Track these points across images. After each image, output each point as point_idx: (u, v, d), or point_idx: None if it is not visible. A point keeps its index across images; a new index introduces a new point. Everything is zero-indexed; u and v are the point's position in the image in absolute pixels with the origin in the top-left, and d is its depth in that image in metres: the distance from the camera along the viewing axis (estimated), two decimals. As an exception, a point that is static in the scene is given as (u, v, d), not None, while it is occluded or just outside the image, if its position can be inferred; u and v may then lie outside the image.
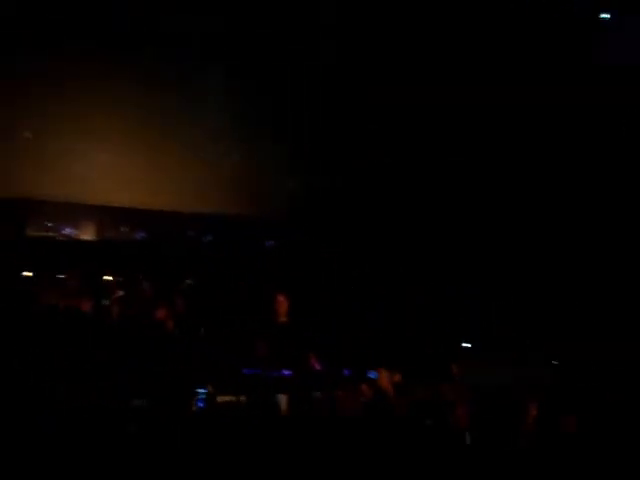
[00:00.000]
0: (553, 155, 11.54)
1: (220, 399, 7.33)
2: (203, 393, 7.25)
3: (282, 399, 7.46)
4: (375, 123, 12.15)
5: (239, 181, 12.46)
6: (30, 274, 10.44)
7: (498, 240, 11.51)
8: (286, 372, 7.93)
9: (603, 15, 11.38)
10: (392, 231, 11.97)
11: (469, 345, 8.85)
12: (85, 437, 5.66)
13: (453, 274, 11.52)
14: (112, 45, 11.89)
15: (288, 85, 12.40)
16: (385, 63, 12.05)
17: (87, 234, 12.50)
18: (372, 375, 6.92)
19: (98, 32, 11.86)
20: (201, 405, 7.20)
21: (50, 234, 12.27)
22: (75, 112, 12.02)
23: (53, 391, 6.26)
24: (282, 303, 8.69)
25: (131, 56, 12.07)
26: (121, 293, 9.70)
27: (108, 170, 12.21)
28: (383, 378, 6.34)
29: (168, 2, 12.14)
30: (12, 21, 11.43)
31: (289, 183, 12.81)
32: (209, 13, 12.12)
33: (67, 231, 12.38)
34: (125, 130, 12.35)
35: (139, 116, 12.32)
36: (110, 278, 11.04)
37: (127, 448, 5.55)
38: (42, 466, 5.24)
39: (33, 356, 6.88)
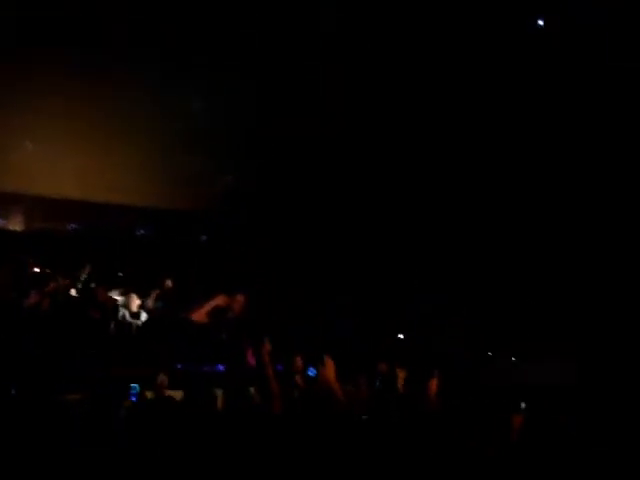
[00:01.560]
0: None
1: (155, 394, 7.32)
2: (135, 388, 7.23)
3: (218, 394, 7.48)
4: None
5: (175, 175, 12.39)
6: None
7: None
8: (220, 367, 7.95)
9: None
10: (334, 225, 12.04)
11: (402, 336, 8.96)
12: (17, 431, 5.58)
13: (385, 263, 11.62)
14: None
15: (228, 82, 12.36)
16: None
17: (16, 225, 12.26)
18: (311, 372, 6.98)
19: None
20: (134, 400, 7.18)
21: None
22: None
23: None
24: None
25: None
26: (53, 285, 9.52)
27: (40, 161, 12.00)
28: (327, 372, 6.36)
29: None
30: None
31: (224, 178, 12.80)
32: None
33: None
34: (59, 122, 12.16)
35: (74, 108, 12.12)
36: (38, 270, 10.86)
37: (63, 443, 5.49)
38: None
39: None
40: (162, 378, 7.08)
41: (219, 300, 8.51)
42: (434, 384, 6.07)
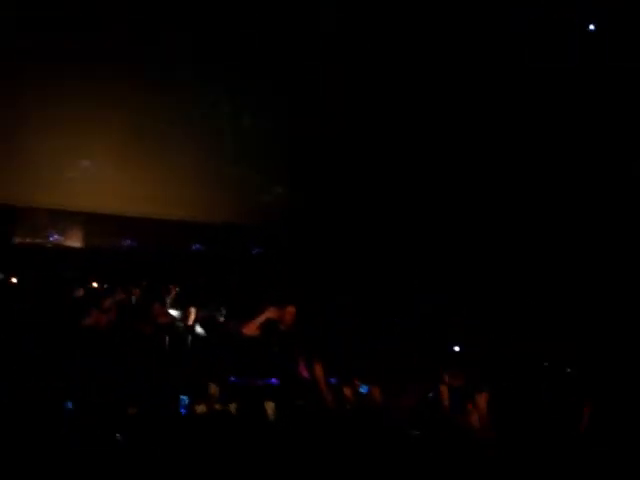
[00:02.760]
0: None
1: (206, 407, 7.35)
2: (184, 400, 7.24)
3: (269, 407, 7.48)
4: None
5: (229, 190, 12.49)
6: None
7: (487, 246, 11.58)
8: (273, 380, 7.93)
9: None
10: (383, 237, 12.01)
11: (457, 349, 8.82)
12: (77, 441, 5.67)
13: (441, 281, 11.55)
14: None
15: (281, 94, 12.46)
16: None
17: (73, 241, 12.50)
18: (363, 390, 6.92)
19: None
20: (183, 411, 7.20)
21: (38, 241, 12.27)
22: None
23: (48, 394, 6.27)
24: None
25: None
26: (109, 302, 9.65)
27: (95, 178, 12.22)
28: (374, 392, 6.33)
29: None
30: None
31: (278, 191, 12.86)
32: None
33: (55, 238, 12.39)
34: (113, 139, 12.37)
35: (131, 124, 12.33)
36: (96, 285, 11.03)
37: (116, 453, 5.56)
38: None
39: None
40: (214, 389, 7.09)
41: (270, 313, 8.50)
42: (483, 401, 5.95)
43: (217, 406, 7.06)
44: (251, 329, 8.20)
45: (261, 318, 8.28)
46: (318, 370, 6.74)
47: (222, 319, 10.15)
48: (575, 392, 6.86)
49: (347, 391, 6.84)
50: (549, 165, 11.60)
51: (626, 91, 11.02)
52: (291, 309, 8.59)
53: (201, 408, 6.84)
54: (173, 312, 10.16)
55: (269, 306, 8.45)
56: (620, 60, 11.02)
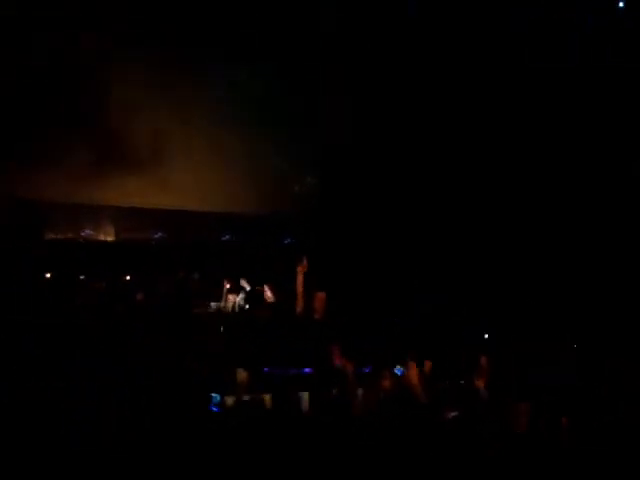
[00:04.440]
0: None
1: (242, 398, 7.30)
2: (216, 398, 7.17)
3: (304, 397, 7.41)
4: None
5: (258, 181, 12.46)
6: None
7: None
8: (307, 370, 7.87)
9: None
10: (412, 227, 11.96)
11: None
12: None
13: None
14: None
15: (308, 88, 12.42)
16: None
17: (106, 235, 12.54)
18: (398, 371, 6.82)
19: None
20: (215, 409, 7.13)
21: (70, 236, 12.32)
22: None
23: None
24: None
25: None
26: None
27: (128, 171, 12.24)
28: (411, 373, 6.23)
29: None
30: None
31: (307, 181, 12.82)
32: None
33: (86, 233, 12.44)
34: (144, 133, 12.38)
35: (161, 118, 12.34)
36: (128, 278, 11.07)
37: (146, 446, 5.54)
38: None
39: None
40: (242, 375, 6.99)
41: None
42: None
43: (249, 397, 7.00)
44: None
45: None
46: (346, 360, 6.69)
47: (254, 309, 10.13)
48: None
49: (382, 378, 6.75)
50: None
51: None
52: (321, 295, 8.52)
53: (232, 400, 6.79)
54: (207, 304, 10.17)
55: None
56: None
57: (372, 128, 12.36)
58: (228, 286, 10.23)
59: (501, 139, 11.74)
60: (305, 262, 8.55)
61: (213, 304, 10.11)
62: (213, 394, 6.83)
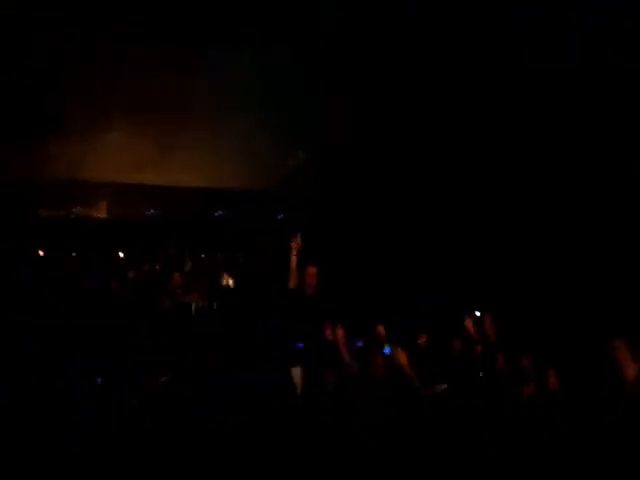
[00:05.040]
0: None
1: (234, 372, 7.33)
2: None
3: (296, 372, 7.44)
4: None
5: (248, 155, 12.43)
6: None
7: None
8: (299, 345, 7.88)
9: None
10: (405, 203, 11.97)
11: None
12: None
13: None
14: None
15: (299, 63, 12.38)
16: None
17: (98, 212, 12.53)
18: (386, 350, 6.83)
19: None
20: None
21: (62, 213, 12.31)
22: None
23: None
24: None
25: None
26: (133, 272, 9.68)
27: (119, 148, 12.21)
28: (399, 354, 6.23)
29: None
30: None
31: (297, 155, 12.79)
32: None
33: (77, 209, 12.43)
34: (134, 109, 12.33)
35: (152, 95, 12.27)
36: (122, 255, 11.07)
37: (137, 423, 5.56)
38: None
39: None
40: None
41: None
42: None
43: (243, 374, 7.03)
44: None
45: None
46: (339, 334, 6.68)
47: (245, 284, 10.15)
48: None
49: (373, 354, 6.75)
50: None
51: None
52: (312, 270, 8.51)
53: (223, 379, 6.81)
54: (199, 279, 10.18)
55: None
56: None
57: (371, 110, 12.31)
58: (221, 262, 10.25)
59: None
60: (299, 238, 8.54)
61: (206, 281, 10.11)
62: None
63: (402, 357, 5.91)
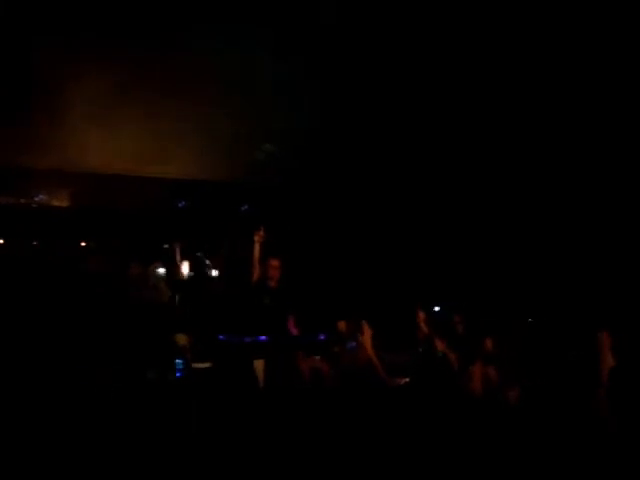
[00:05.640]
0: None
1: (197, 366, 7.37)
2: (180, 363, 7.25)
3: (258, 365, 7.50)
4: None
5: (213, 145, 12.35)
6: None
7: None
8: (262, 337, 7.93)
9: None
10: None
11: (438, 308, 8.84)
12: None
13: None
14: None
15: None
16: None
17: (60, 201, 12.39)
18: (350, 346, 6.91)
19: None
20: (179, 375, 7.21)
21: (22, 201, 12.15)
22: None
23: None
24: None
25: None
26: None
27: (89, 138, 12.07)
28: (364, 344, 6.29)
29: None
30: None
31: (263, 146, 12.74)
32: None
33: (40, 198, 12.28)
34: (101, 97, 12.18)
35: (119, 82, 12.13)
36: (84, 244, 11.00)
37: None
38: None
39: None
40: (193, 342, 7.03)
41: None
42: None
43: (208, 365, 7.08)
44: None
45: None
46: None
47: (211, 276, 10.16)
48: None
49: (338, 348, 6.85)
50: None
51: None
52: (275, 262, 8.56)
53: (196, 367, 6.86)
54: (162, 270, 10.15)
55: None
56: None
57: (343, 104, 12.28)
58: (181, 253, 10.23)
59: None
60: (262, 230, 8.56)
61: (164, 271, 10.08)
62: (177, 360, 6.90)
63: (367, 342, 5.97)
